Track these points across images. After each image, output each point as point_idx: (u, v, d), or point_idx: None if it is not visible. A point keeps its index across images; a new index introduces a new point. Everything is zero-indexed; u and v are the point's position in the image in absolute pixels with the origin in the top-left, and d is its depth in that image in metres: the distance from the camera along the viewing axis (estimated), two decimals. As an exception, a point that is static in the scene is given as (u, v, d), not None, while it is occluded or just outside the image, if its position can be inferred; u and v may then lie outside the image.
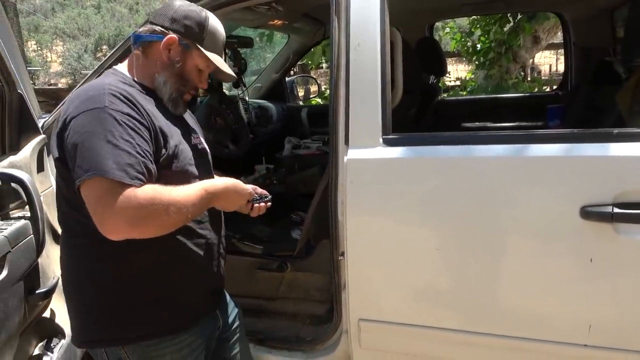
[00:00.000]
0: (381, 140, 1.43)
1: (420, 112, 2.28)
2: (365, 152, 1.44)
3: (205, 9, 1.28)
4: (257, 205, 1.34)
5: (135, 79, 1.24)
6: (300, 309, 1.98)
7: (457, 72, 8.08)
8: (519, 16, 5.49)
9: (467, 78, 6.69)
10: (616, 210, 1.20)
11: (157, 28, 1.24)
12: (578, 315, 1.31)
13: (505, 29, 5.69)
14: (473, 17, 5.92)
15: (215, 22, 1.29)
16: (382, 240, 1.44)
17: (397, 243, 1.42)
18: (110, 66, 1.34)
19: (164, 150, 1.18)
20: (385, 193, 1.42)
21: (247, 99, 2.85)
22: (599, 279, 1.27)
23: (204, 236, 1.27)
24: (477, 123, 3.03)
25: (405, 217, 1.41)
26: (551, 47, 7.77)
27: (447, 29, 6.32)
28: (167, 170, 1.17)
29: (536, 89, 5.98)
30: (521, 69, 6.25)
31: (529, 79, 7.33)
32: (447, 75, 7.71)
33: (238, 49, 2.59)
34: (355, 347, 1.53)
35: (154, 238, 1.09)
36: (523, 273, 1.34)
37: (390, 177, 1.42)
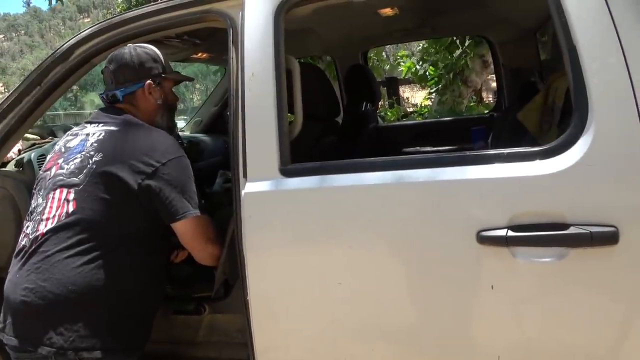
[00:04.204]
0: (278, 171, 1.37)
1: (348, 140, 2.24)
2: (262, 184, 1.37)
3: (147, 44, 1.60)
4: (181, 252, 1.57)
5: None
6: (222, 353, 1.86)
7: (414, 98, 8.22)
8: (467, 42, 5.63)
9: (422, 104, 6.79)
10: (510, 233, 1.15)
11: (127, 83, 1.55)
12: (486, 347, 1.24)
13: (455, 54, 5.82)
14: (424, 44, 6.07)
15: (156, 49, 1.61)
16: (283, 277, 1.36)
17: (299, 280, 1.34)
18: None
19: None
20: (283, 226, 1.35)
21: (179, 133, 2.77)
22: (502, 306, 1.21)
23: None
24: (418, 147, 3.02)
25: (304, 251, 1.33)
26: (504, 70, 7.99)
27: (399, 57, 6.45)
28: None
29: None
30: (473, 92, 6.37)
31: (486, 102, 7.48)
32: (405, 101, 7.84)
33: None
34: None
35: (148, 261, 1.48)
36: (430, 304, 1.27)
37: (288, 209, 1.35)
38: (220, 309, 1.84)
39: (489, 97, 8.00)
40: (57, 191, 1.42)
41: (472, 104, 6.54)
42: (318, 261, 1.33)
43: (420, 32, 2.75)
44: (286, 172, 1.36)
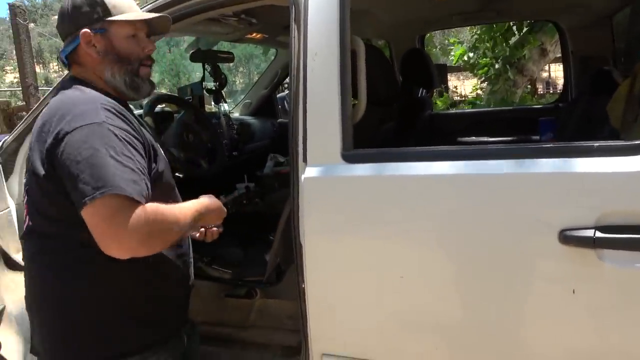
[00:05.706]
0: (340, 156, 1.31)
1: (404, 126, 2.15)
2: (323, 169, 1.31)
3: None
4: (209, 230, 1.35)
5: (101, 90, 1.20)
6: (271, 338, 1.85)
7: (462, 86, 7.93)
8: (525, 29, 5.35)
9: (473, 93, 6.55)
10: (598, 234, 1.05)
11: (67, 38, 1.23)
12: (560, 354, 1.15)
13: (511, 42, 5.55)
14: (479, 32, 5.81)
15: None
16: (342, 266, 1.30)
17: (358, 270, 1.28)
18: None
19: (154, 165, 1.17)
20: (344, 214, 1.28)
21: (230, 115, 2.76)
22: (583, 312, 1.11)
23: (181, 255, 1.30)
24: (474, 137, 2.89)
25: (365, 241, 1.27)
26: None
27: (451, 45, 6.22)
28: (155, 185, 1.15)
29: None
30: (529, 82, 6.07)
31: (540, 92, 7.14)
32: (454, 89, 7.59)
33: (218, 65, 2.51)
34: (319, 385, 1.38)
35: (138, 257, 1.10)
36: (502, 305, 1.18)
37: (350, 197, 1.29)
38: (271, 294, 1.82)
39: (539, 88, 7.63)
40: (25, 194, 1.24)
41: (525, 94, 6.26)
42: (380, 252, 1.27)
43: (483, 15, 2.59)
44: (349, 157, 1.30)
